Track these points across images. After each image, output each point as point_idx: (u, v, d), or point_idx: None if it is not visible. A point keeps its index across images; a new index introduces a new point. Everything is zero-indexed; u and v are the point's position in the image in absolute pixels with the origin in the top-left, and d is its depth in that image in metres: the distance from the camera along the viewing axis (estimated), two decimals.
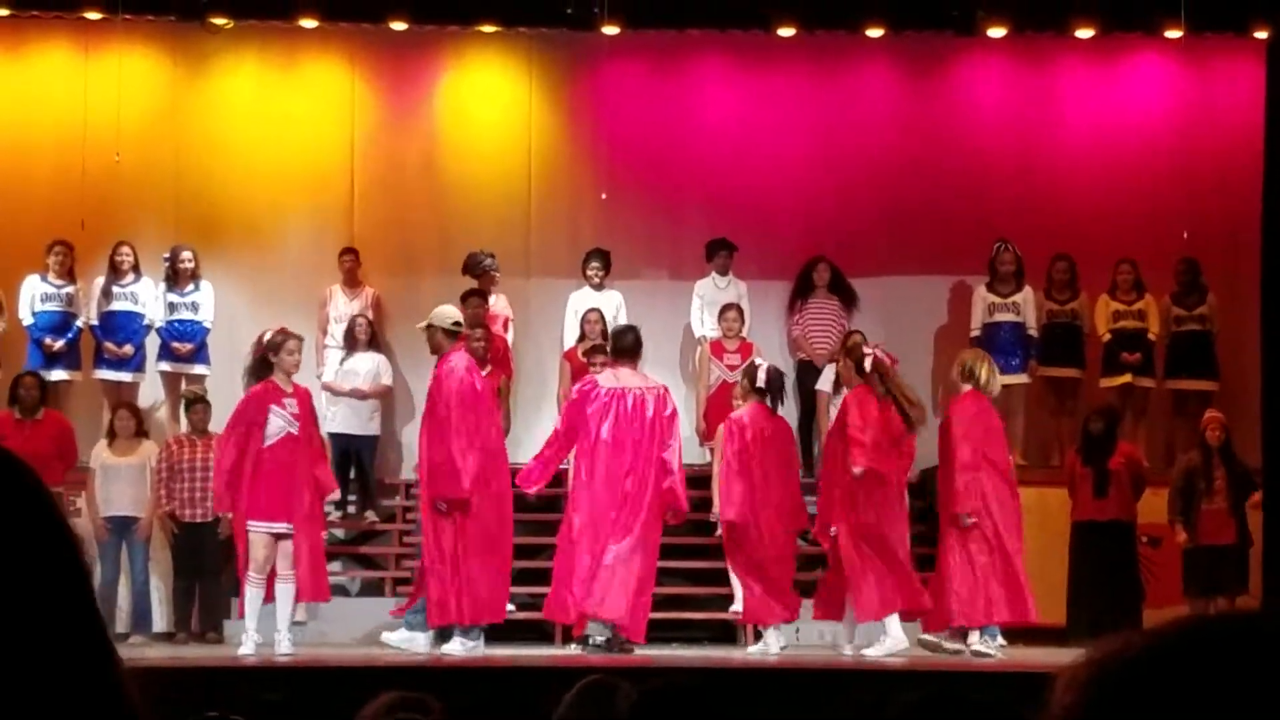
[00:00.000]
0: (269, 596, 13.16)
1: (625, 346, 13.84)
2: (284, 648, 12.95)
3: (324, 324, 16.70)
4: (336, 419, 16.09)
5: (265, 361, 13.38)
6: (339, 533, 16.27)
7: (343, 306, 16.74)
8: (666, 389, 13.86)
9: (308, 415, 13.46)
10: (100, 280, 16.24)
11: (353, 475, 16.18)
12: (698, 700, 4.12)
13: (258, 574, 13.07)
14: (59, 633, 1.30)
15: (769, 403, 13.98)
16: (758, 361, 14.56)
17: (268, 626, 13.17)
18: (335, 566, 16.06)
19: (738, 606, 13.77)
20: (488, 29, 17.08)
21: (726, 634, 14.57)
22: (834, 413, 14.55)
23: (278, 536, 13.13)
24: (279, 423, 13.18)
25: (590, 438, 13.38)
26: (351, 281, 16.86)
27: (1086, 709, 1.29)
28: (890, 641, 12.98)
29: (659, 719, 4.28)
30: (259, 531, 13.06)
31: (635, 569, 13.26)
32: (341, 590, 15.81)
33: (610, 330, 15.15)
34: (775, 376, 14.13)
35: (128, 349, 16.22)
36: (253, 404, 13.26)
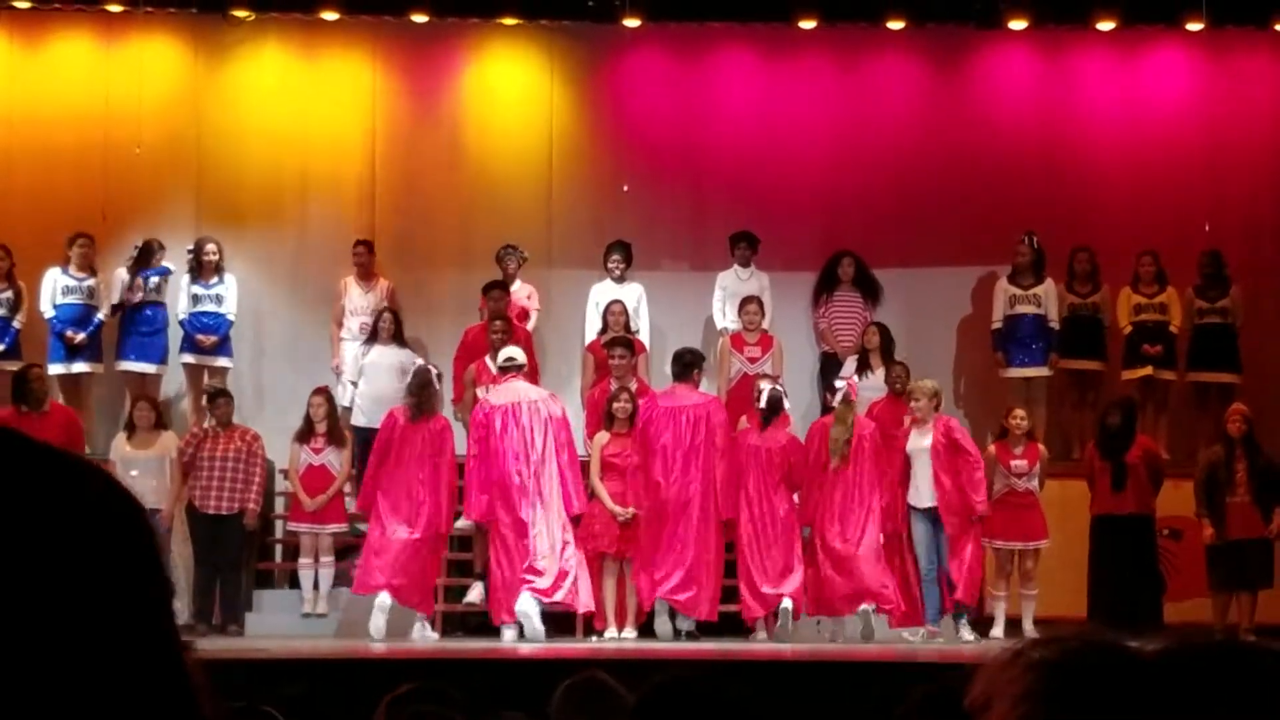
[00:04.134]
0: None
1: (676, 371, 14.82)
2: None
3: (339, 316, 16.68)
4: (362, 412, 16.03)
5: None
6: (362, 526, 16.29)
7: (357, 299, 16.67)
8: (717, 400, 14.99)
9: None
10: (121, 271, 16.23)
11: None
12: (704, 693, 4.12)
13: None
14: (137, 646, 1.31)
15: (765, 420, 14.52)
16: (762, 385, 14.76)
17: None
18: (356, 559, 16.11)
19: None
20: (509, 21, 17.09)
21: (732, 627, 14.56)
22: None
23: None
24: None
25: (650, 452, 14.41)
26: (365, 274, 16.81)
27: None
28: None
29: (665, 712, 4.29)
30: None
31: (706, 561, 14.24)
32: None
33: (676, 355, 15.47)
34: (771, 398, 14.63)
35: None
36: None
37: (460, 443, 14.79)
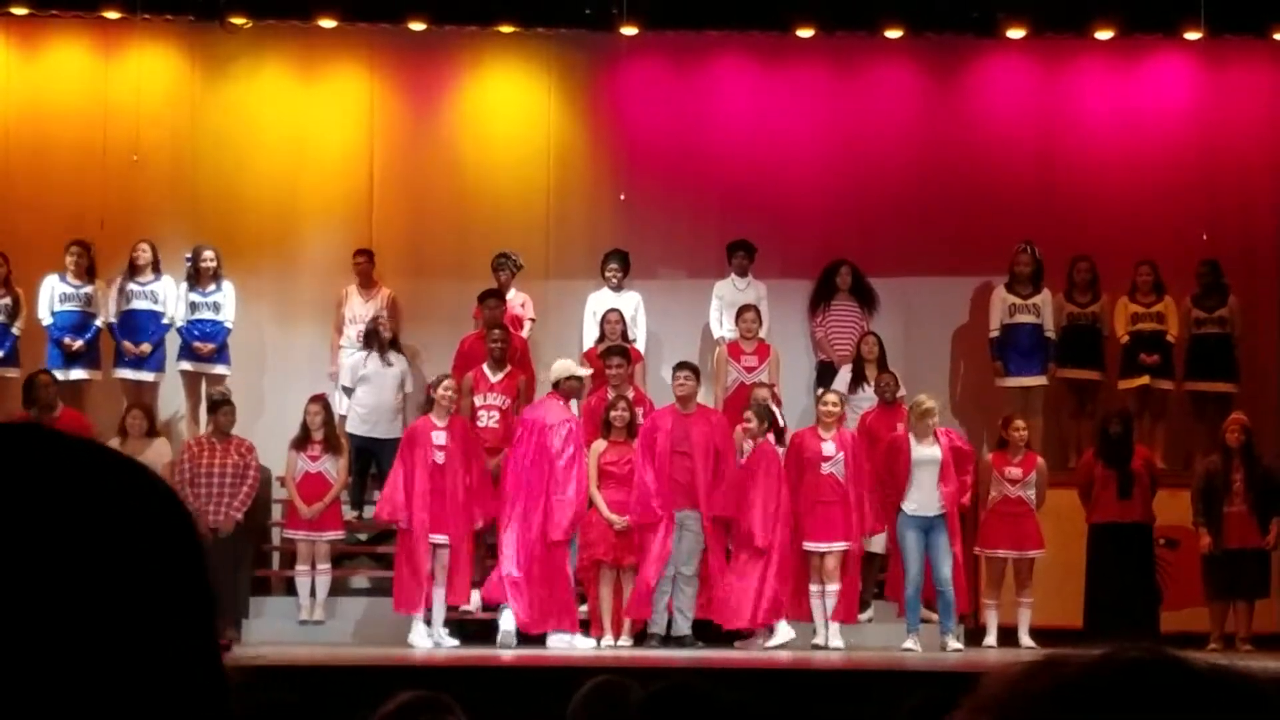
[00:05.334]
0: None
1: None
2: (446, 643, 14.21)
3: (339, 324, 16.68)
4: (357, 420, 16.01)
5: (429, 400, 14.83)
6: (360, 535, 16.31)
7: (358, 308, 16.66)
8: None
9: (458, 445, 14.57)
10: (118, 279, 16.24)
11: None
12: (704, 700, 4.12)
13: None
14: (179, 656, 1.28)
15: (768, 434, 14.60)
16: (761, 395, 14.80)
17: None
18: (353, 566, 16.13)
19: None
20: (506, 30, 17.09)
21: (731, 632, 14.57)
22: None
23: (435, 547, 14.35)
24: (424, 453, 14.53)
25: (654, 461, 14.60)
26: (366, 283, 16.80)
27: None
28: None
29: (666, 715, 4.29)
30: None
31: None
32: (360, 591, 15.86)
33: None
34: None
35: (145, 347, 16.21)
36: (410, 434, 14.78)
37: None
